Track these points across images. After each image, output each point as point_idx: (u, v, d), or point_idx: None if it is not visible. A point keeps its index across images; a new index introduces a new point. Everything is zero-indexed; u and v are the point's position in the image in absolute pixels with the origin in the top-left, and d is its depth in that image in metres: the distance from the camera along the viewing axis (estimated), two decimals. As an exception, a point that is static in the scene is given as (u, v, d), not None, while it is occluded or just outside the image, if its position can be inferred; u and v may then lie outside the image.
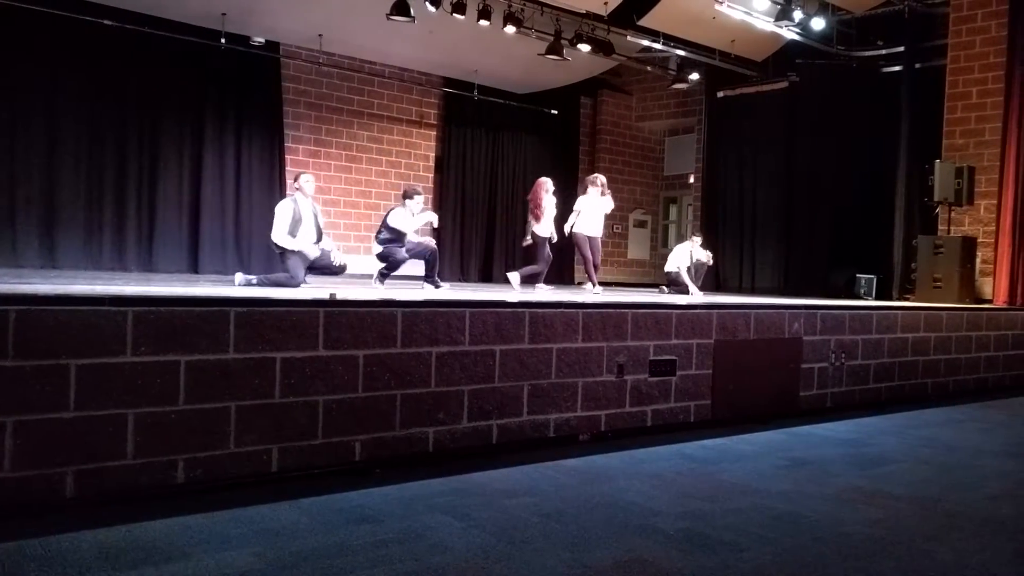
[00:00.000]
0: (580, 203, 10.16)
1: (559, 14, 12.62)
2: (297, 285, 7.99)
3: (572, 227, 10.11)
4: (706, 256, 12.16)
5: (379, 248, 8.91)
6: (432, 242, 9.19)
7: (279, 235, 8.15)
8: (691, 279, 11.74)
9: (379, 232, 9.00)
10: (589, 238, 10.12)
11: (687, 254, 12.05)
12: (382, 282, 8.93)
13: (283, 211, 8.20)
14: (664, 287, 12.21)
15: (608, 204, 10.25)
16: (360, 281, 9.16)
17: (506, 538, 3.87)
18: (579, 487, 4.86)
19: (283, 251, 8.22)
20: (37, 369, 3.94)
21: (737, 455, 5.96)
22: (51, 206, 11.38)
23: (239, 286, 7.91)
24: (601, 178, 10.45)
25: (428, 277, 8.94)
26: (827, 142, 14.57)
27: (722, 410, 7.00)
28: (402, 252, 8.80)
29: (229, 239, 12.94)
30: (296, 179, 8.58)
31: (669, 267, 12.14)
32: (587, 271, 10.40)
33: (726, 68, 15.06)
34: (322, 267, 8.41)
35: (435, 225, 9.73)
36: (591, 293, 9.50)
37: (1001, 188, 11.73)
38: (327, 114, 14.17)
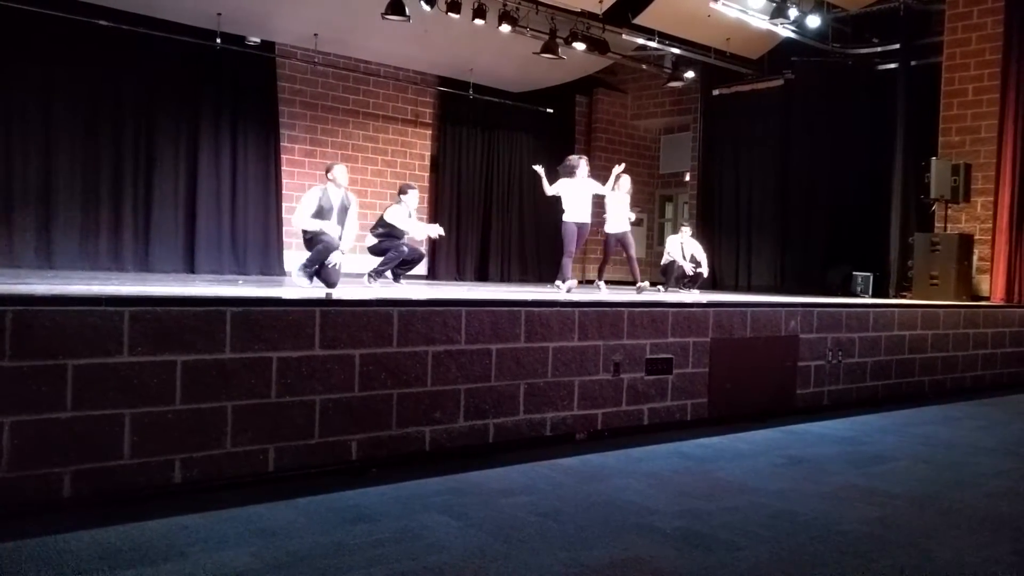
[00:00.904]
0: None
1: (554, 12, 12.61)
2: (337, 247, 7.89)
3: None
4: (696, 248, 12.03)
5: (373, 241, 8.92)
6: (423, 248, 9.24)
7: (301, 219, 7.96)
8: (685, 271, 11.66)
9: (375, 227, 8.99)
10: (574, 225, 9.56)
11: (678, 246, 11.99)
12: (375, 279, 8.85)
13: (309, 197, 8.02)
14: (660, 286, 12.10)
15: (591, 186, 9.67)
16: (357, 281, 9.15)
17: (503, 537, 3.87)
18: (576, 486, 4.86)
19: (308, 239, 8.01)
20: (34, 369, 3.93)
21: (734, 453, 5.96)
22: (47, 206, 11.35)
23: (296, 279, 7.89)
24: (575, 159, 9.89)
25: (401, 272, 9.04)
26: (823, 140, 14.58)
27: (719, 408, 7.00)
28: (400, 247, 8.81)
29: (225, 238, 12.92)
30: (328, 170, 8.26)
31: (664, 260, 12.08)
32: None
33: (721, 66, 15.07)
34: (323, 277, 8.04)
35: (438, 235, 9.53)
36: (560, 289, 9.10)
37: (998, 185, 11.74)
38: (323, 113, 14.15)
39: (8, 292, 4.24)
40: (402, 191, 9.05)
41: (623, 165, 10.25)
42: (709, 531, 4.06)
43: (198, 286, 7.58)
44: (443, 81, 15.30)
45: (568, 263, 9.54)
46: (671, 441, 6.23)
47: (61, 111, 11.48)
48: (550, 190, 9.69)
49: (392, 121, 15.02)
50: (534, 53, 13.02)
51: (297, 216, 8.05)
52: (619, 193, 10.26)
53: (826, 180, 14.54)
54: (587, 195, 9.68)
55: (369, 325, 5.01)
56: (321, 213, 7.94)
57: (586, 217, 9.64)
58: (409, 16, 11.29)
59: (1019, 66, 11.70)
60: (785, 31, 13.24)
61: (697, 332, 6.85)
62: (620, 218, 10.35)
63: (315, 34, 12.93)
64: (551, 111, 16.47)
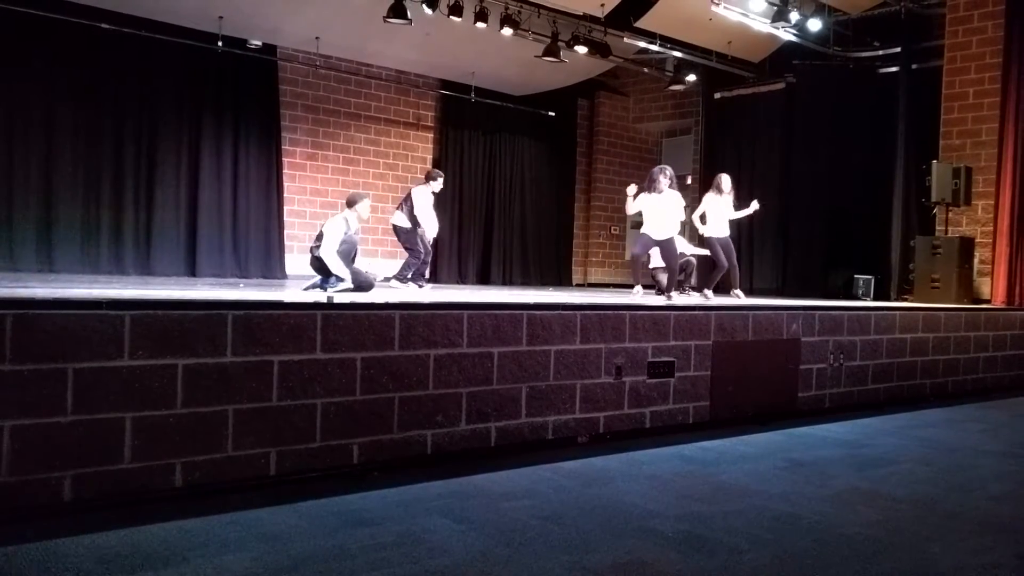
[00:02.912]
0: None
1: (556, 16, 12.63)
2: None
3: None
4: (685, 247, 11.27)
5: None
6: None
7: (329, 253, 7.71)
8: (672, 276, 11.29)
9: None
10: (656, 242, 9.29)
11: None
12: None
13: (335, 231, 7.76)
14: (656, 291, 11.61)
15: (667, 202, 9.09)
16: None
17: (505, 541, 3.86)
18: (578, 489, 4.85)
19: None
20: (35, 373, 3.93)
21: (736, 456, 5.95)
22: (48, 209, 11.36)
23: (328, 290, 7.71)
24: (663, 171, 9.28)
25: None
26: (824, 143, 14.57)
27: (721, 411, 6.99)
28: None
29: (227, 242, 12.93)
30: (352, 203, 8.06)
31: (653, 263, 11.68)
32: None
33: (723, 69, 15.08)
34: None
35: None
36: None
37: (998, 188, 11.73)
38: (324, 116, 14.17)
39: (9, 295, 4.25)
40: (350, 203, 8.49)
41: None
42: (711, 534, 4.06)
43: (199, 289, 7.58)
44: (445, 84, 15.31)
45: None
46: (673, 444, 6.22)
47: (62, 114, 11.49)
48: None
49: (394, 124, 15.04)
50: (536, 56, 13.03)
51: (325, 250, 7.75)
52: (724, 196, 9.94)
53: (827, 183, 14.52)
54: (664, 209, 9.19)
55: (371, 328, 5.01)
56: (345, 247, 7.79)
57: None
58: (411, 19, 11.30)
59: (1020, 69, 11.68)
60: (786, 34, 13.24)
61: (699, 335, 6.85)
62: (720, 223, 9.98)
63: (317, 37, 12.93)
64: (553, 114, 16.48)
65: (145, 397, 4.21)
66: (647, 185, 9.27)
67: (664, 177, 9.13)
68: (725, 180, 9.97)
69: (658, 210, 9.16)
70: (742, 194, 15.89)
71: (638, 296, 8.97)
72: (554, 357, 5.90)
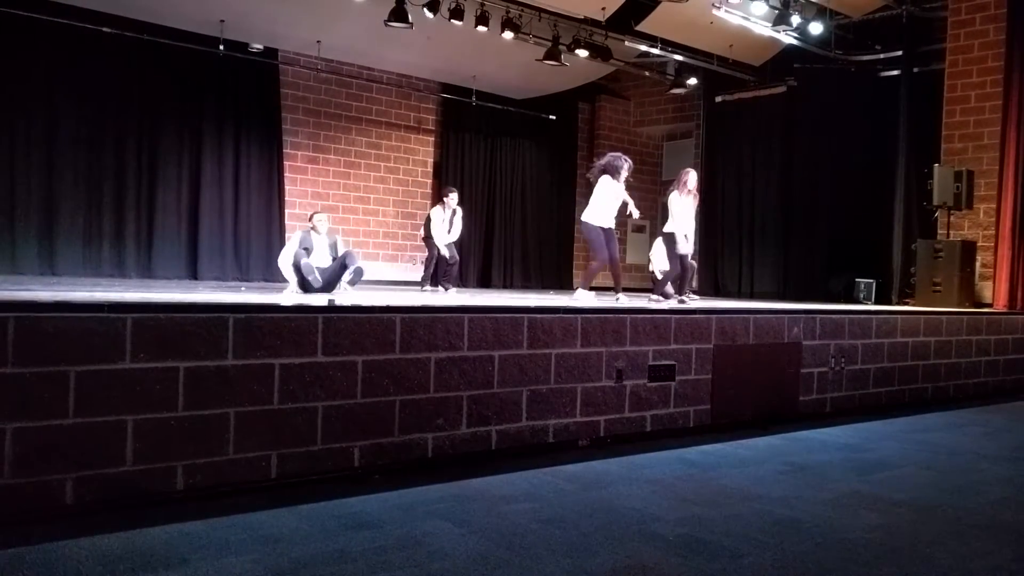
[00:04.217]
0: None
1: (557, 20, 12.66)
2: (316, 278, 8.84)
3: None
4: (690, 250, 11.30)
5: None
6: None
7: (283, 260, 9.00)
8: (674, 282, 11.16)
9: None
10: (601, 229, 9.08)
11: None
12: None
13: (291, 241, 9.05)
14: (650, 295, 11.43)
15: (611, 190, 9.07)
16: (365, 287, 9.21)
17: (505, 544, 3.86)
18: (578, 493, 4.85)
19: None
20: (37, 376, 3.93)
21: (737, 460, 5.95)
22: (50, 213, 11.40)
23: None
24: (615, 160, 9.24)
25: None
26: (826, 146, 14.59)
27: (722, 415, 6.99)
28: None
29: (228, 245, 12.96)
30: (310, 218, 9.32)
31: (653, 266, 11.46)
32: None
33: (724, 73, 15.09)
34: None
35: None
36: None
37: (1000, 192, 11.74)
38: (325, 120, 14.19)
39: (11, 299, 4.25)
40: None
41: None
42: (712, 538, 4.05)
43: (201, 292, 7.59)
44: (446, 88, 15.34)
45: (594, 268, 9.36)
46: (674, 448, 6.22)
47: (64, 118, 11.53)
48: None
49: (395, 128, 15.07)
50: (537, 60, 13.06)
51: (281, 257, 9.10)
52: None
53: (829, 186, 14.54)
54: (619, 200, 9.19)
55: (372, 332, 5.01)
56: (302, 254, 8.89)
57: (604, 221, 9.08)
58: (412, 23, 11.33)
59: (1021, 73, 11.68)
60: (788, 38, 13.25)
61: (700, 339, 6.85)
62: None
63: (318, 41, 12.97)
64: (554, 118, 16.50)
65: (146, 400, 4.21)
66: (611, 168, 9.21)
67: (599, 163, 9.50)
68: (691, 178, 9.39)
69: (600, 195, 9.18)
70: (743, 196, 16.05)
71: (622, 300, 8.61)
72: (555, 360, 5.91)
